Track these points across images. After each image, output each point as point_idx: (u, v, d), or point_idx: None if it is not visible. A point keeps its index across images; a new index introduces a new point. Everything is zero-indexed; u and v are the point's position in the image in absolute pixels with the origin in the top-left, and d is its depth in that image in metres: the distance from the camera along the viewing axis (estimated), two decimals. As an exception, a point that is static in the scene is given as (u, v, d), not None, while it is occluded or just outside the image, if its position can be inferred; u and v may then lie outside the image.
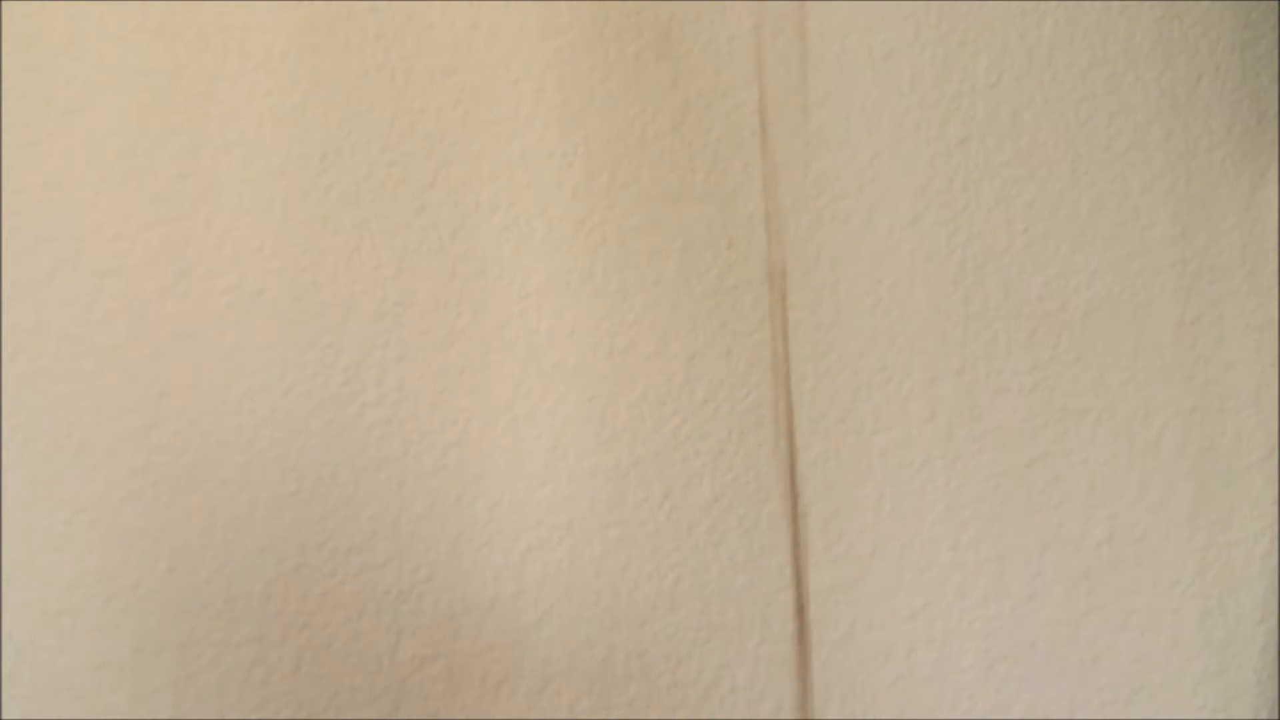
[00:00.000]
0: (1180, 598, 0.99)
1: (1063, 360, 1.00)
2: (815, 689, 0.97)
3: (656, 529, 0.97)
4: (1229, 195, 1.01)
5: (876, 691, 0.97)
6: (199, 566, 0.94)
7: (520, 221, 0.98)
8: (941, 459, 0.99)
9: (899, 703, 0.98)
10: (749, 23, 0.99)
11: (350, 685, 0.94)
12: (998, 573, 0.99)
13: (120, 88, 0.96)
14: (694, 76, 0.99)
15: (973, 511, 0.99)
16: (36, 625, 0.93)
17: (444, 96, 0.98)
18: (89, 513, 0.94)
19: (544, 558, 0.96)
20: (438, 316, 0.97)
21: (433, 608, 0.95)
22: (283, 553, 0.95)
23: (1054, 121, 1.01)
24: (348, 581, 0.95)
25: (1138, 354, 1.00)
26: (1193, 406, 1.00)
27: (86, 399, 0.94)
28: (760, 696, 0.97)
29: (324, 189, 0.97)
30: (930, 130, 1.00)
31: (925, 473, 0.99)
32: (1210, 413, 1.00)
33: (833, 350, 0.99)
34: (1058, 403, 1.00)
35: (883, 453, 0.99)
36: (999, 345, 1.00)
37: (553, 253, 0.98)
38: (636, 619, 0.97)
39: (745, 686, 0.97)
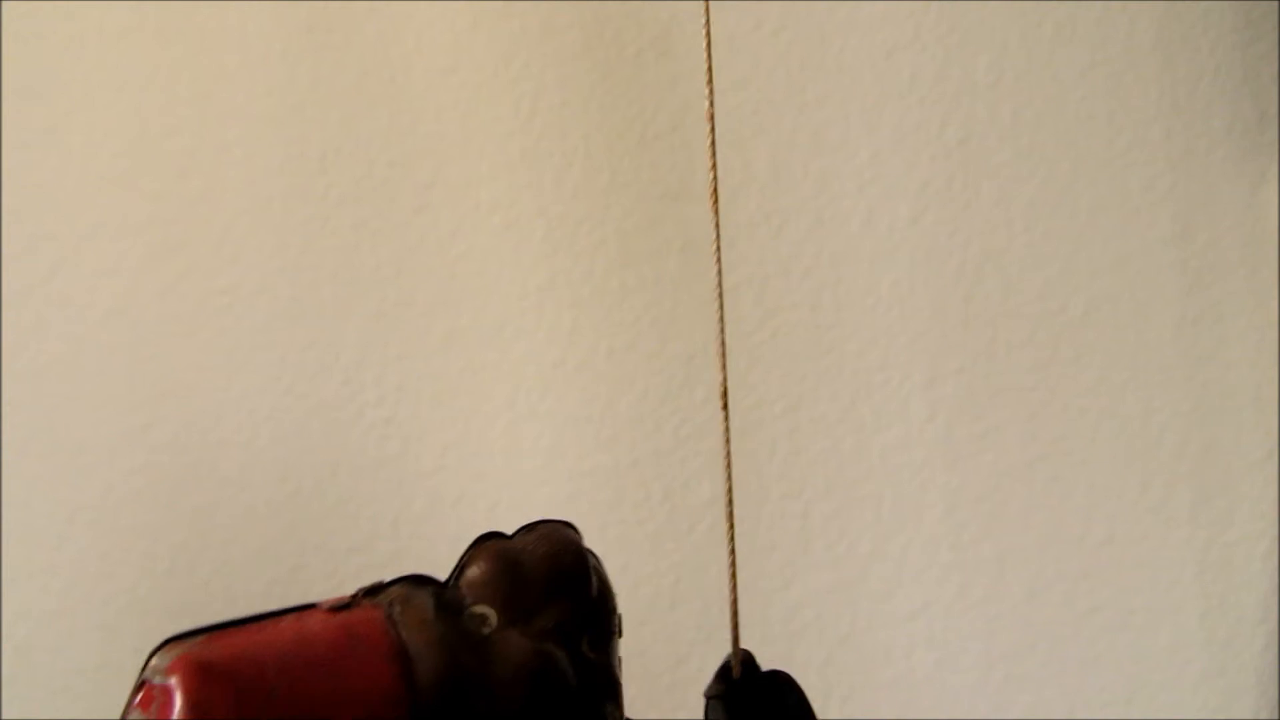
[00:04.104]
0: (1180, 598, 0.99)
1: (1063, 360, 1.00)
2: (815, 689, 0.97)
3: (656, 529, 0.97)
4: (1229, 195, 1.01)
5: (876, 691, 0.97)
6: (199, 566, 0.94)
7: (520, 221, 0.98)
8: (941, 459, 0.99)
9: (899, 703, 0.98)
10: (749, 22, 0.99)
11: (350, 685, 0.94)
12: (998, 573, 0.99)
13: (120, 88, 0.96)
14: (694, 76, 0.99)
15: (973, 511, 0.99)
16: (36, 625, 0.93)
17: (444, 96, 0.98)
18: (89, 513, 0.94)
19: (544, 558, 0.96)
20: (438, 316, 0.97)
21: (433, 608, 0.95)
22: (283, 553, 0.95)
23: (1054, 121, 1.01)
24: (347, 581, 0.95)
25: (1138, 354, 1.00)
26: (1193, 406, 1.00)
27: (86, 399, 0.94)
28: (760, 696, 0.97)
29: (324, 189, 0.97)
30: (930, 130, 1.00)
31: (925, 473, 0.99)
32: (1210, 413, 1.00)
33: (833, 350, 0.99)
34: (1058, 403, 0.99)
35: (883, 453, 0.99)
36: (999, 345, 1.00)
37: (553, 253, 0.98)
38: (636, 619, 0.97)
39: (745, 686, 0.97)
